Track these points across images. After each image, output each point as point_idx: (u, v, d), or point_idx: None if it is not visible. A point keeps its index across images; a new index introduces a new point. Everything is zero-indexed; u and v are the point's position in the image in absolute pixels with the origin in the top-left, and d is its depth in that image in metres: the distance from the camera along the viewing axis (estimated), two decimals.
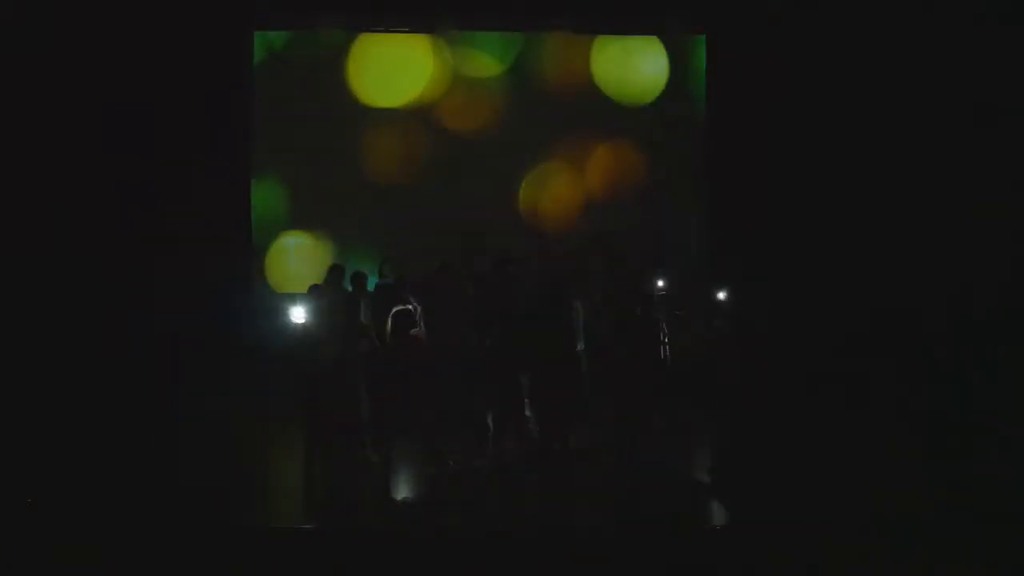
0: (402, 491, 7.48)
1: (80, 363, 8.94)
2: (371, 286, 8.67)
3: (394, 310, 7.82)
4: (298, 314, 7.96)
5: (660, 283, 8.81)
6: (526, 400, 7.91)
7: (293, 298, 8.38)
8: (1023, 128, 9.56)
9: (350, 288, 8.29)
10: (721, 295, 9.13)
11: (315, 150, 10.54)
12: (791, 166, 10.12)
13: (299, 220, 10.70)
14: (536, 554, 6.13)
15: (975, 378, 8.55)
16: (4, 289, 9.05)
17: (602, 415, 8.14)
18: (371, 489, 7.37)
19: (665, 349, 8.27)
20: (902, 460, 7.52)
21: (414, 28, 10.72)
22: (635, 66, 10.93)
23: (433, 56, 10.77)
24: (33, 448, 7.67)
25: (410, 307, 8.02)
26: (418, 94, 10.76)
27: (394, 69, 10.76)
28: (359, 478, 7.60)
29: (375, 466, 7.74)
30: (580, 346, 8.07)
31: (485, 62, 10.84)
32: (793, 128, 10.10)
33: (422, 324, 8.12)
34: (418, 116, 10.74)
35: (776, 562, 5.93)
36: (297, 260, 10.58)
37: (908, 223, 9.81)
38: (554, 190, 10.86)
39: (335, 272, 8.40)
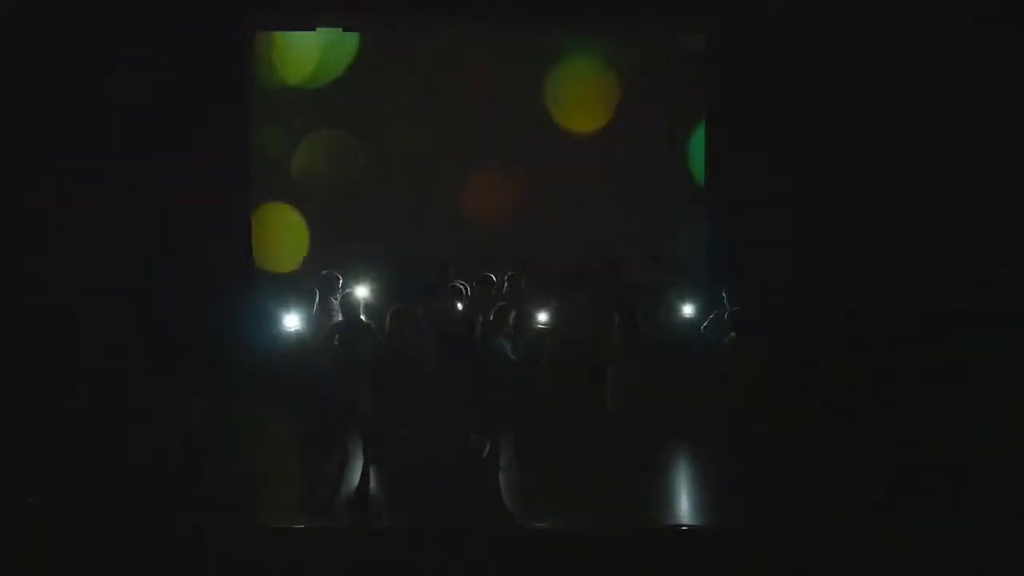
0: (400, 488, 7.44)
1: (78, 362, 8.99)
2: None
3: (391, 309, 7.74)
4: (292, 321, 7.89)
5: None
6: None
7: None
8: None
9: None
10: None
11: None
12: (792, 165, 10.11)
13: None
14: (535, 554, 6.14)
15: (976, 380, 8.56)
16: (4, 288, 9.09)
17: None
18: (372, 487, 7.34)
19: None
20: (901, 462, 7.51)
21: (414, 28, 10.73)
22: None
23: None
24: (30, 447, 7.67)
25: (409, 309, 7.93)
26: None
27: None
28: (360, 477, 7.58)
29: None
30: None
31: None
32: (794, 126, 10.09)
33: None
34: None
35: (775, 563, 5.93)
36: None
37: (912, 224, 9.81)
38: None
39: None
